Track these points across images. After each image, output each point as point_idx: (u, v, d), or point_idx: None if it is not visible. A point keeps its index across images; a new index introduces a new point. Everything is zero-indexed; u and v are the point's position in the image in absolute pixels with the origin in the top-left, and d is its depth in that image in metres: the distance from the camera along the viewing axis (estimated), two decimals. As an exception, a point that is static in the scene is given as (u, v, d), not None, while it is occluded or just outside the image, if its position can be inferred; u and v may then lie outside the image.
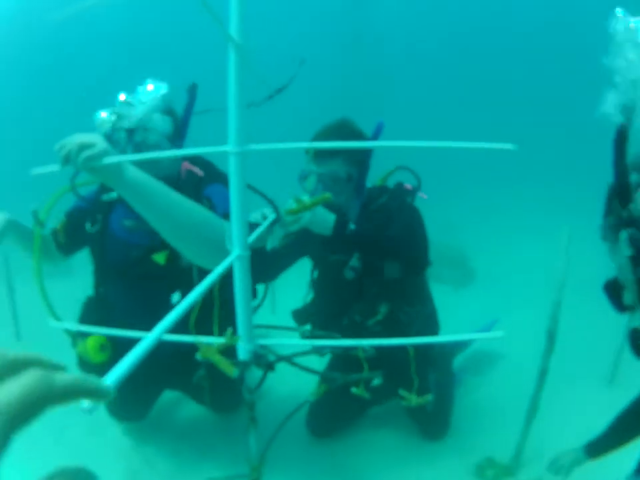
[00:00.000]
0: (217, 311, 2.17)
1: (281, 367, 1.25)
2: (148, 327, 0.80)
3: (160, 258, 2.13)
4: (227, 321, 2.08)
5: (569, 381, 3.12)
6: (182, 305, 0.84)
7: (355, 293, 2.47)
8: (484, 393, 3.26)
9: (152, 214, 1.56)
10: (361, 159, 2.34)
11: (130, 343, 0.72)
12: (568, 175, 8.07)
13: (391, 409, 2.95)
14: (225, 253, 1.13)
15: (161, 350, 0.85)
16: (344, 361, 2.66)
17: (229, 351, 1.15)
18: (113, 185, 1.51)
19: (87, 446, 2.76)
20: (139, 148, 1.99)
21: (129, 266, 2.18)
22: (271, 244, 2.13)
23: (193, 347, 1.16)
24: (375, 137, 2.30)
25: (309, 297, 2.69)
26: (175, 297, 2.15)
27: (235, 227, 1.12)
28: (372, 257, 2.30)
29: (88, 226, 2.19)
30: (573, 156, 9.08)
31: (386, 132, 2.30)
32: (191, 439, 2.84)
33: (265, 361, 1.19)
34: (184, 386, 2.76)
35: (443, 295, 4.76)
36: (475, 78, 12.52)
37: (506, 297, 4.65)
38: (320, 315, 2.59)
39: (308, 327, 2.65)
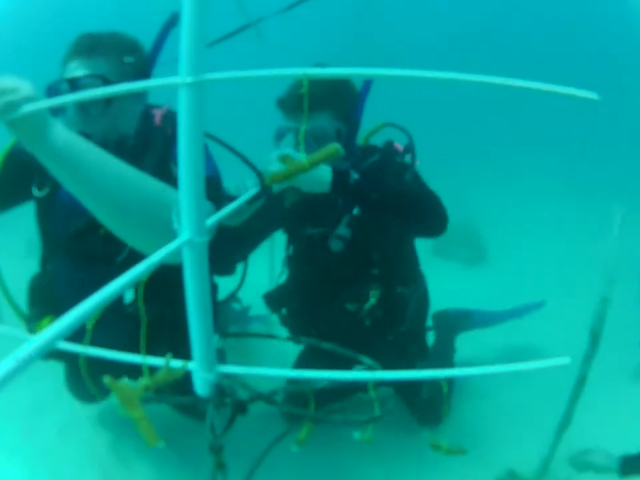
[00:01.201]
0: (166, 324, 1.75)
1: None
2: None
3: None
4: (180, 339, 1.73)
5: (602, 381, 2.75)
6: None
7: (341, 269, 2.12)
8: (504, 397, 2.87)
9: (82, 188, 1.20)
10: (351, 113, 1.97)
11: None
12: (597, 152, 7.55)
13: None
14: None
15: None
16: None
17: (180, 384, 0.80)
18: (33, 147, 1.14)
19: (60, 446, 2.50)
20: (85, 104, 1.56)
21: (74, 240, 1.75)
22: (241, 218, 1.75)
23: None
24: (365, 91, 1.95)
25: (283, 276, 2.33)
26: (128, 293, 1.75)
27: (184, 199, 0.76)
28: (380, 215, 1.91)
29: (35, 190, 1.74)
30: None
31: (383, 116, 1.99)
32: (169, 439, 2.49)
33: (233, 398, 0.83)
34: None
35: (453, 272, 4.42)
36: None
37: (519, 278, 4.28)
38: (298, 298, 2.25)
39: (283, 311, 2.30)
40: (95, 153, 1.19)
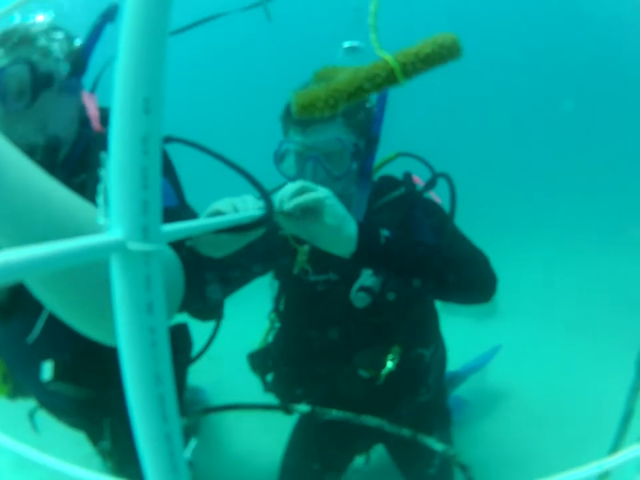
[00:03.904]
0: None
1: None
2: None
3: None
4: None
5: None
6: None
7: (358, 329, 1.68)
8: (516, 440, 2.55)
9: None
10: (369, 127, 1.60)
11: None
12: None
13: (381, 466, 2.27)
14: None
15: None
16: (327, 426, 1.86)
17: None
18: None
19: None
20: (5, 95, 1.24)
21: None
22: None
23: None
24: (381, 102, 1.59)
25: (272, 334, 1.87)
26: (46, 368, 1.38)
27: (116, 173, 0.40)
28: (416, 279, 1.44)
29: None
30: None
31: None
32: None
33: None
34: None
35: (461, 329, 4.11)
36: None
37: (532, 330, 4.04)
38: (292, 363, 1.79)
39: (269, 377, 1.83)
40: (15, 155, 0.83)
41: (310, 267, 1.53)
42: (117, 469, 1.68)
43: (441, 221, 1.66)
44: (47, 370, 1.34)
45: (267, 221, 1.12)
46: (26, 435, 2.19)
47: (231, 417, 2.80)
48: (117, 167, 0.41)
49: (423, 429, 1.61)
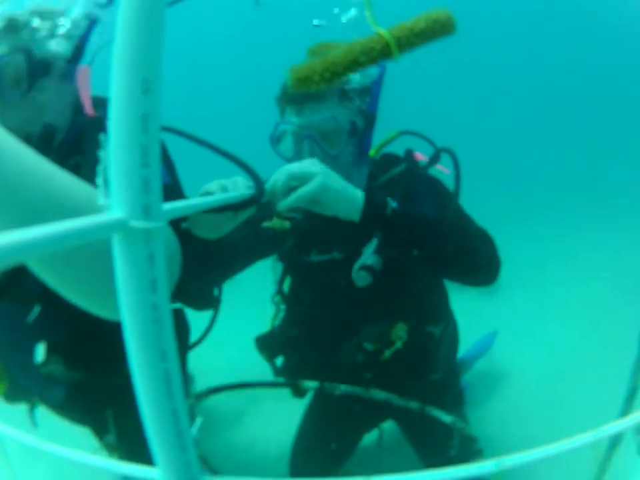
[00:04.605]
0: None
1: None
2: None
3: None
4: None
5: None
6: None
7: (361, 309, 1.67)
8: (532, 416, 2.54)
9: None
10: (365, 105, 1.59)
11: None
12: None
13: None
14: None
15: None
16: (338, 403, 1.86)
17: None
18: None
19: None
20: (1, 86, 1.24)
21: None
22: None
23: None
24: (377, 81, 1.58)
25: (279, 316, 1.85)
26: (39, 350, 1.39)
27: (116, 152, 0.40)
28: (423, 254, 1.45)
29: None
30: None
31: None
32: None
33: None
34: None
35: (465, 304, 4.11)
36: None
37: (536, 306, 4.00)
38: (300, 344, 1.79)
39: (279, 361, 1.83)
40: (9, 141, 0.83)
41: (287, 226, 1.50)
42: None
43: (443, 197, 1.65)
44: (41, 351, 1.35)
45: (257, 200, 1.14)
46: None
47: (241, 400, 2.82)
48: (117, 146, 0.41)
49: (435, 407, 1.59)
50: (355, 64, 0.92)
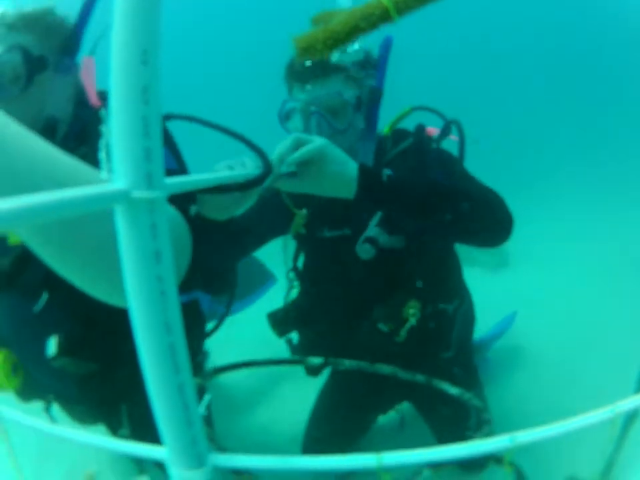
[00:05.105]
0: None
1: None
2: None
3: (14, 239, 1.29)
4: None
5: None
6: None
7: (371, 282, 1.69)
8: (547, 393, 2.53)
9: None
10: (372, 78, 1.61)
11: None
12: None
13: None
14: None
15: None
16: (352, 378, 1.89)
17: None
18: None
19: None
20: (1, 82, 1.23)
21: None
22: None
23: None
24: (384, 51, 1.58)
25: (293, 293, 1.87)
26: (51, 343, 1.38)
27: (117, 121, 0.39)
28: (423, 220, 1.46)
29: None
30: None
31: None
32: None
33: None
34: None
35: (477, 279, 4.12)
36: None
37: (543, 285, 3.95)
38: (314, 320, 1.81)
39: (294, 337, 1.86)
40: (14, 128, 0.82)
41: (304, 230, 1.52)
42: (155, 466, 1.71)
43: (451, 164, 1.65)
44: (52, 345, 1.34)
45: (265, 178, 1.13)
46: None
47: (253, 381, 2.84)
48: (118, 117, 0.40)
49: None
50: (356, 30, 0.92)
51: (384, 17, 0.92)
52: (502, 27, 10.53)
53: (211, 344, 1.92)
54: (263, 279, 2.81)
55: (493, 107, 9.25)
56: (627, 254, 4.13)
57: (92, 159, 1.15)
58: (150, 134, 0.40)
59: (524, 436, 0.63)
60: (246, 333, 3.10)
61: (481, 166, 1.91)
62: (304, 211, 1.47)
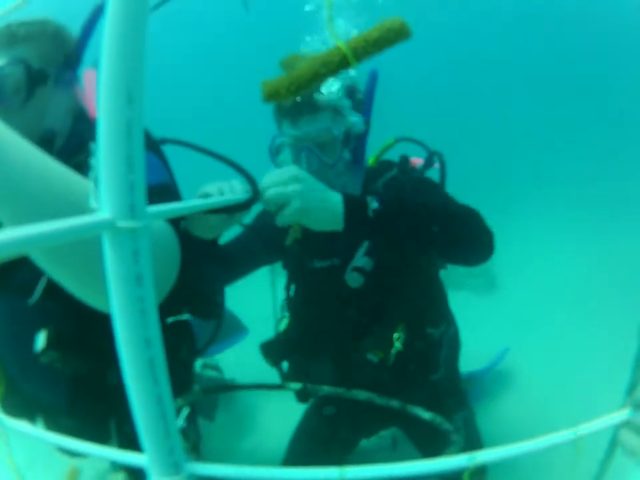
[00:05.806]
0: None
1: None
2: None
3: None
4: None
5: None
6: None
7: (359, 310, 1.72)
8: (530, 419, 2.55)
9: None
10: (359, 112, 1.66)
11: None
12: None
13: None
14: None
15: None
16: (333, 403, 1.94)
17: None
18: None
19: None
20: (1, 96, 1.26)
21: None
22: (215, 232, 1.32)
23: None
24: (371, 84, 1.63)
25: (283, 322, 1.90)
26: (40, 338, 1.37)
27: (104, 152, 0.44)
28: (410, 245, 1.52)
29: None
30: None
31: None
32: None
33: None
34: None
35: (464, 302, 4.14)
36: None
37: (531, 307, 4.04)
38: (305, 349, 1.83)
39: (284, 365, 1.88)
40: (10, 136, 0.87)
41: (300, 235, 1.54)
42: (127, 470, 1.70)
43: (433, 188, 1.72)
44: (41, 338, 1.33)
45: (252, 203, 1.18)
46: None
47: (243, 401, 2.87)
48: (105, 154, 0.45)
49: (436, 410, 1.51)
50: (316, 76, 0.98)
51: (343, 63, 0.99)
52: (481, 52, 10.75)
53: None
54: (235, 329, 2.87)
55: (480, 128, 9.41)
56: (614, 273, 4.19)
57: (86, 169, 1.18)
58: (134, 169, 0.44)
59: (482, 455, 0.66)
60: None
61: (464, 189, 1.98)
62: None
